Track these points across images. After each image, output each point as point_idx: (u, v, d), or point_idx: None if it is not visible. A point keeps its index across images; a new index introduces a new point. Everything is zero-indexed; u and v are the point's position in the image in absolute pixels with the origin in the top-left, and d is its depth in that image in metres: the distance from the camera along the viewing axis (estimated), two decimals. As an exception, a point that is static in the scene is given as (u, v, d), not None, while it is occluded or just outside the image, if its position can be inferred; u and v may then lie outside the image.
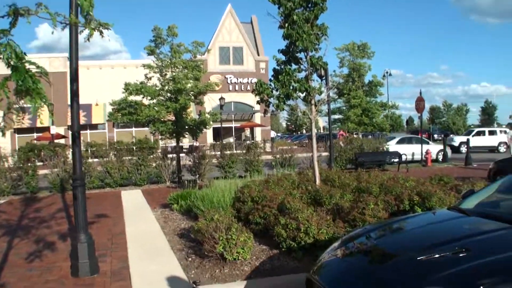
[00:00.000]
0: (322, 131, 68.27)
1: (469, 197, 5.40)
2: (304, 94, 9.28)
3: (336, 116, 37.23)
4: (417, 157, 22.97)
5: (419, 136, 24.28)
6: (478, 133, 34.70)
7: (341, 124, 34.70)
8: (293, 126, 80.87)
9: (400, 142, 24.43)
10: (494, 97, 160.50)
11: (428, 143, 24.64)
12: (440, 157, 24.19)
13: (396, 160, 19.69)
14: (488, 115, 73.10)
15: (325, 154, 18.56)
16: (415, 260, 3.66)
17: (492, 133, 35.01)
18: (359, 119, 30.79)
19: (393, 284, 3.46)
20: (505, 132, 34.90)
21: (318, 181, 9.51)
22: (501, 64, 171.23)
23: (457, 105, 78.19)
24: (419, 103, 22.22)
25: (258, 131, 41.32)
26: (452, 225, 4.60)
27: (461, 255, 3.63)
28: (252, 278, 5.34)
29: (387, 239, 4.34)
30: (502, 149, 32.80)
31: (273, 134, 48.22)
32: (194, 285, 5.04)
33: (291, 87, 9.15)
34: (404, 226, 4.60)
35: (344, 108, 35.32)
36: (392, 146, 23.34)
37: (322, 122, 75.10)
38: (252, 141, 26.24)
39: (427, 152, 22.00)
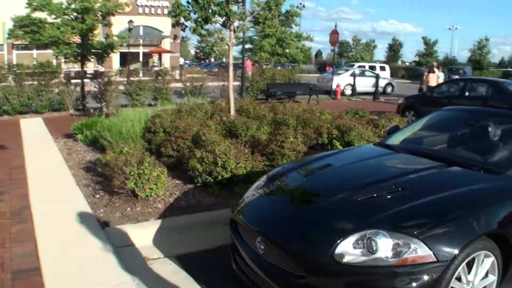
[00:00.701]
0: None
1: (395, 133, 5.29)
2: (223, 18, 8.69)
3: (247, 46, 36.40)
4: (367, 89, 23.96)
5: (372, 70, 24.41)
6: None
7: (252, 54, 34.12)
8: (201, 54, 79.12)
9: (353, 75, 24.96)
10: (401, 35, 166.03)
11: (378, 76, 24.98)
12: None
13: (308, 92, 19.76)
14: (394, 52, 75.62)
15: (236, 83, 18.13)
16: (352, 201, 3.45)
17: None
18: (272, 49, 30.38)
19: (329, 228, 3.22)
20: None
21: (232, 112, 9.16)
22: (409, 3, 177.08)
23: (365, 41, 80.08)
24: (333, 36, 22.22)
25: (166, 57, 39.66)
26: (382, 162, 4.45)
27: (397, 195, 3.46)
28: (167, 217, 4.97)
29: (317, 177, 4.08)
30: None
31: (181, 61, 46.67)
32: (105, 225, 4.58)
33: (210, 11, 8.51)
34: (334, 163, 4.37)
35: (256, 38, 34.66)
36: (346, 78, 24.41)
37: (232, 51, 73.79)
38: (161, 67, 25.06)
39: (337, 86, 22.29)
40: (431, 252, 2.95)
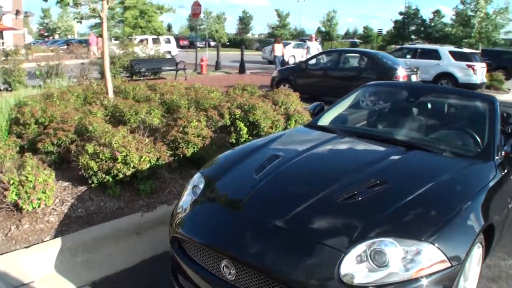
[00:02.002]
0: (76, 36, 62.49)
1: (322, 112, 4.81)
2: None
3: (98, 20, 33.45)
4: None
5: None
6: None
7: (111, 29, 31.73)
8: (45, 31, 73.05)
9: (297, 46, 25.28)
10: (250, 8, 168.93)
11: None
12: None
13: (174, 68, 18.74)
14: (244, 25, 76.58)
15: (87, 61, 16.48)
16: (333, 203, 2.86)
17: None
18: (135, 22, 28.39)
19: (323, 242, 2.63)
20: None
21: (111, 94, 8.01)
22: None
23: (216, 13, 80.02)
24: (196, 8, 21.29)
25: (8, 35, 35.50)
26: (334, 150, 3.91)
27: (381, 190, 2.96)
28: (66, 233, 3.94)
29: (273, 175, 3.33)
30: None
31: (29, 38, 42.28)
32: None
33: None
34: (280, 154, 3.67)
35: (119, 10, 32.28)
36: (290, 50, 24.72)
37: (77, 27, 68.89)
38: (10, 46, 22.00)
39: (201, 60, 21.52)
40: (444, 257, 2.53)
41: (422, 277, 2.47)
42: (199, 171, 3.69)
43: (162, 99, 7.72)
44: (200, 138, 5.66)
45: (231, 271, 2.68)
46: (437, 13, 52.28)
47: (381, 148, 3.90)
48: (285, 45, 22.63)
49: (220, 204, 3.18)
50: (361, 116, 5.15)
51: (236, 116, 6.58)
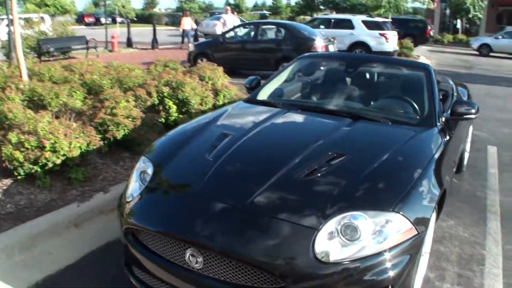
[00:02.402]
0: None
1: (260, 86, 4.74)
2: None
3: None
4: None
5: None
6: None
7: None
8: None
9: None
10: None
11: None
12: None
13: (84, 46, 17.79)
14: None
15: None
16: (296, 180, 2.84)
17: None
18: (40, -1, 26.59)
19: (292, 221, 2.59)
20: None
21: (25, 76, 7.41)
22: None
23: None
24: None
25: None
26: (282, 125, 3.86)
27: (341, 163, 2.98)
28: (-2, 232, 3.61)
29: (226, 155, 3.21)
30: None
31: None
32: None
33: None
34: (228, 132, 3.57)
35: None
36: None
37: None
38: None
39: (112, 37, 20.60)
40: (411, 225, 2.58)
41: (393, 247, 2.50)
42: (143, 155, 3.49)
43: (81, 80, 7.25)
44: (130, 119, 5.40)
45: (197, 259, 2.57)
46: (345, -17, 53.54)
47: (328, 121, 3.91)
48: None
49: (175, 189, 3.02)
50: (300, 89, 5.14)
51: (164, 94, 6.33)
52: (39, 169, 4.41)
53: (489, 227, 4.50)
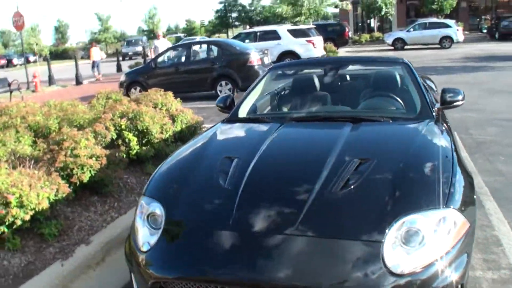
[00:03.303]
0: None
1: (240, 104, 4.47)
2: None
3: None
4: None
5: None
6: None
7: None
8: None
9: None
10: (42, 18, 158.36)
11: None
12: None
13: (7, 89, 16.57)
14: (62, 34, 71.89)
15: None
16: (333, 195, 2.64)
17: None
18: None
19: (350, 239, 2.38)
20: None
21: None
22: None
23: (30, 26, 74.20)
24: (18, 19, 19.04)
25: None
26: (288, 139, 3.70)
27: (369, 167, 2.83)
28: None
29: (243, 179, 2.89)
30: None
31: None
32: None
33: None
34: (234, 155, 3.24)
35: None
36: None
37: None
38: None
39: (34, 76, 19.47)
40: (464, 218, 2.47)
41: (455, 245, 2.36)
42: (144, 195, 3.06)
43: (24, 123, 6.58)
44: (94, 158, 4.89)
45: None
46: (255, -3, 54.41)
47: (330, 128, 3.73)
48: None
49: (202, 228, 2.63)
50: (282, 100, 4.93)
51: (122, 126, 5.85)
52: (6, 230, 3.83)
53: (487, 208, 4.52)
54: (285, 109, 4.70)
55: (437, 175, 2.75)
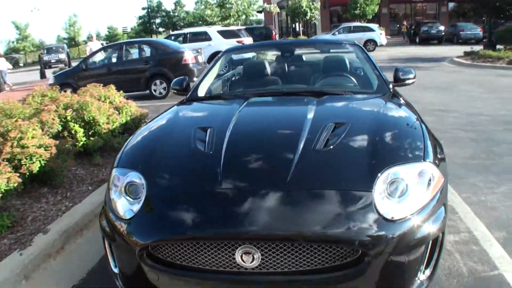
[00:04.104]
0: None
1: (197, 86, 4.41)
2: None
3: None
4: None
5: None
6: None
7: None
8: None
9: None
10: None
11: None
12: None
13: None
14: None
15: None
16: (319, 152, 2.66)
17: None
18: None
19: (342, 187, 2.42)
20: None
21: None
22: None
23: None
24: None
25: None
26: (259, 111, 3.78)
27: (348, 131, 2.86)
28: None
29: (223, 143, 2.84)
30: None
31: None
32: None
33: None
34: (205, 125, 3.18)
35: None
36: None
37: None
38: None
39: None
40: (440, 172, 2.58)
41: (435, 195, 2.45)
42: (116, 167, 2.90)
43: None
44: (43, 148, 4.62)
45: (254, 255, 2.17)
46: (178, 3, 53.95)
47: (297, 100, 3.78)
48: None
49: (190, 190, 2.54)
50: (238, 80, 4.90)
51: (68, 117, 5.58)
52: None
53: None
54: (243, 88, 4.67)
55: (411, 135, 2.87)
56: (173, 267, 2.34)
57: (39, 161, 4.50)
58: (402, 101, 3.69)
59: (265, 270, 2.20)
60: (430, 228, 2.34)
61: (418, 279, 2.38)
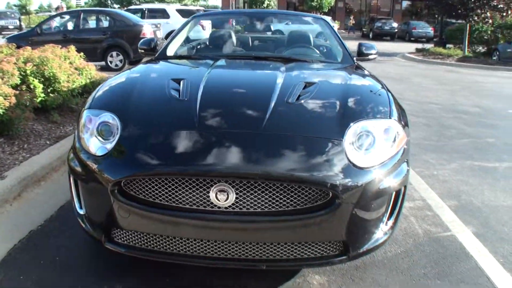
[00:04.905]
0: None
1: (167, 45, 4.42)
2: None
3: None
4: None
5: None
6: None
7: None
8: None
9: None
10: None
11: None
12: None
13: None
14: None
15: None
16: (293, 104, 2.78)
17: None
18: None
19: (314, 134, 2.55)
20: None
21: None
22: None
23: None
24: None
25: None
26: (231, 69, 3.89)
27: (318, 89, 3.01)
28: None
29: (198, 91, 2.89)
30: None
31: None
32: None
33: None
34: (179, 77, 3.17)
35: None
36: None
37: None
38: None
39: None
40: (404, 132, 2.75)
41: (399, 150, 2.61)
42: (87, 109, 2.86)
43: None
44: (2, 97, 4.51)
45: (229, 194, 2.24)
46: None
47: (266, 64, 3.87)
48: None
49: (166, 129, 2.56)
50: (208, 43, 4.93)
51: (27, 72, 5.44)
52: None
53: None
54: (212, 51, 4.71)
55: (378, 97, 3.02)
56: (146, 204, 2.37)
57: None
58: (366, 72, 3.84)
59: (238, 209, 2.28)
60: (393, 180, 2.49)
61: (381, 229, 2.54)
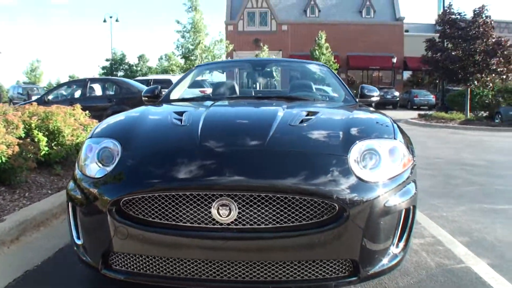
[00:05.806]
0: None
1: (170, 91, 4.47)
2: None
3: None
4: None
5: None
6: None
7: None
8: None
9: None
10: None
11: None
12: None
13: None
14: None
15: None
16: (296, 127, 2.76)
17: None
18: None
19: (315, 154, 2.50)
20: None
21: None
22: None
23: None
24: None
25: None
26: (232, 107, 3.89)
27: (320, 117, 3.03)
28: None
29: (200, 120, 2.86)
30: None
31: None
32: None
33: None
34: (180, 116, 3.08)
35: None
36: None
37: None
38: None
39: None
40: (410, 154, 2.71)
41: (405, 170, 2.55)
42: (90, 138, 2.84)
43: None
44: (6, 145, 4.51)
45: (231, 208, 2.16)
46: (141, 57, 54.52)
47: (267, 102, 3.91)
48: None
49: (166, 150, 2.54)
50: (215, 90, 5.01)
51: (32, 125, 5.48)
52: None
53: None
54: (221, 94, 4.74)
55: (381, 125, 2.96)
56: (144, 224, 2.29)
57: (1, 157, 4.38)
58: (372, 108, 3.83)
59: (241, 225, 2.19)
60: (401, 198, 2.41)
61: (392, 250, 2.43)
